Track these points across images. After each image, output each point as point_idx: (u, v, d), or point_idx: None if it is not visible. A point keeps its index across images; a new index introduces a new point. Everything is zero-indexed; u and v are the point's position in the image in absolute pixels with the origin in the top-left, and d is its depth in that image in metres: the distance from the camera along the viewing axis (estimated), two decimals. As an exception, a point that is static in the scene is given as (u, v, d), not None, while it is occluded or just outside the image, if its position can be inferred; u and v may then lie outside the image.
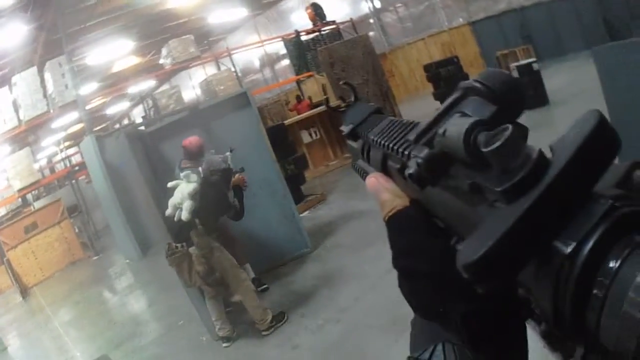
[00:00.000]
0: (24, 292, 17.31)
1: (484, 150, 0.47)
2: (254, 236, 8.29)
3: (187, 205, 6.31)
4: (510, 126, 0.46)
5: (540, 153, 0.45)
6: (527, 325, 0.62)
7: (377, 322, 5.92)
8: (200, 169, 6.58)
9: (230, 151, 6.86)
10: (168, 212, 6.45)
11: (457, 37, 26.15)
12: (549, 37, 21.64)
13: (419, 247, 0.68)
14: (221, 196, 6.56)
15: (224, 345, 6.85)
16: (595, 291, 0.42)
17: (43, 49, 20.05)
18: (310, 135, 16.17)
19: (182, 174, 6.48)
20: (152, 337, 8.44)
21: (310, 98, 18.09)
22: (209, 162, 6.53)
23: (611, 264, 0.42)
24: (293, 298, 7.47)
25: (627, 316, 0.39)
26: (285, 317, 6.88)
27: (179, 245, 6.46)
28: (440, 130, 0.55)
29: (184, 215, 6.30)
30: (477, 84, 0.55)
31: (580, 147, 0.44)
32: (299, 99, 18.71)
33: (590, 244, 0.42)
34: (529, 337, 0.64)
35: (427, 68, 19.66)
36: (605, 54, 6.85)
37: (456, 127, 0.51)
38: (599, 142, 0.44)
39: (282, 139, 11.99)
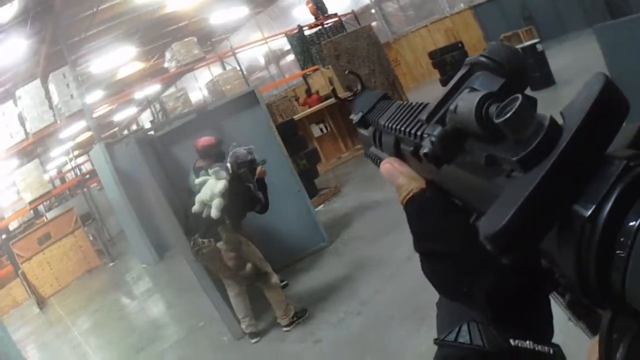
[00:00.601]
0: (41, 303, 17.36)
1: (497, 121, 0.47)
2: (271, 233, 8.25)
3: (217, 202, 6.26)
4: (520, 96, 0.47)
5: (552, 120, 0.46)
6: (551, 299, 0.64)
7: (398, 313, 5.96)
8: (228, 164, 6.54)
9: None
10: (195, 208, 6.39)
11: (459, 23, 26.09)
12: (550, 17, 21.48)
13: (438, 229, 0.69)
14: (249, 191, 6.55)
15: (253, 340, 6.85)
16: (617, 251, 0.42)
17: (45, 61, 20.11)
18: (321, 129, 16.18)
19: (210, 171, 6.44)
20: (174, 340, 8.43)
21: (318, 92, 18.06)
22: (236, 154, 6.54)
23: (631, 223, 0.42)
24: (313, 293, 7.45)
25: None
26: (307, 313, 6.86)
27: (205, 240, 6.43)
28: (452, 107, 0.55)
29: (214, 213, 6.26)
30: (483, 59, 0.56)
31: (590, 111, 0.44)
32: (308, 92, 18.67)
33: (609, 204, 0.42)
34: (553, 311, 0.66)
35: (432, 55, 19.68)
36: (607, 32, 6.89)
37: (467, 102, 0.52)
38: (608, 103, 0.45)
39: (292, 135, 11.96)
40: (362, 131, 0.93)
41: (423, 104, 0.68)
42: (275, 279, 6.77)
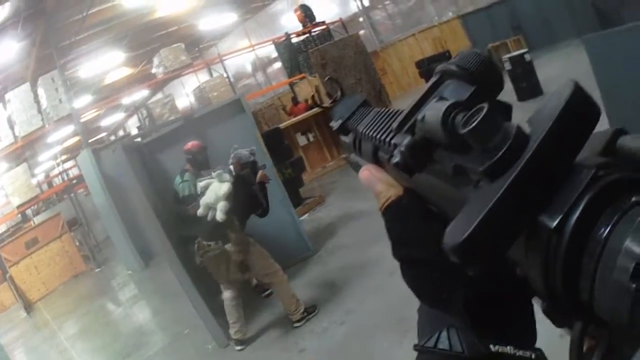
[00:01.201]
0: (28, 307, 17.34)
1: (462, 131, 0.47)
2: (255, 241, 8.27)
3: (221, 206, 6.27)
4: (485, 105, 0.46)
5: (519, 129, 0.46)
6: (534, 303, 0.62)
7: (382, 323, 5.93)
8: (230, 165, 6.60)
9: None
10: (200, 212, 6.38)
11: (447, 32, 25.89)
12: (538, 26, 21.33)
13: (415, 235, 0.68)
14: (252, 192, 6.61)
15: (238, 348, 6.84)
16: (585, 261, 0.42)
17: (35, 65, 20.04)
18: (307, 138, 16.15)
19: (214, 174, 6.42)
20: (159, 347, 8.44)
21: (306, 101, 18.04)
22: (238, 156, 6.58)
23: (599, 233, 0.42)
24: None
25: (617, 284, 0.40)
26: (317, 309, 6.90)
27: (211, 243, 6.50)
28: (420, 117, 0.56)
29: (219, 216, 6.27)
30: (453, 67, 0.56)
31: (557, 118, 0.44)
32: (295, 101, 18.63)
33: (576, 215, 0.42)
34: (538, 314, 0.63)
35: (419, 64, 19.70)
36: (596, 43, 6.84)
37: (434, 111, 0.52)
38: (576, 111, 0.44)
39: (278, 143, 11.98)
40: (343, 138, 0.93)
41: (399, 111, 0.68)
42: (282, 275, 6.82)
